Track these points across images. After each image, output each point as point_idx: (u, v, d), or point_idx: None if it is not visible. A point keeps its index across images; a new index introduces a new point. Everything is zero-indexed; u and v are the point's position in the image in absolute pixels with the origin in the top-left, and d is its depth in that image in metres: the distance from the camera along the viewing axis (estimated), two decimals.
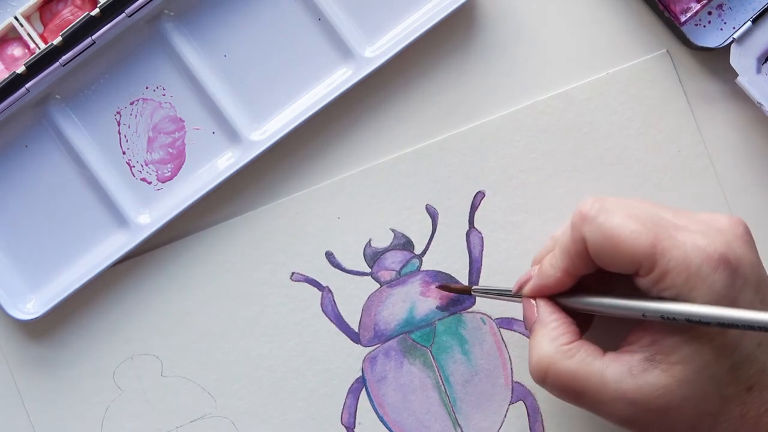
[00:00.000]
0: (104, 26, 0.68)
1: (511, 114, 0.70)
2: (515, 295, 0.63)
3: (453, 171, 0.70)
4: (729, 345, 0.55)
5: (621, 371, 0.56)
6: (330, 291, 0.70)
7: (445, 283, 0.69)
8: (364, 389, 0.69)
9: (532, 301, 0.61)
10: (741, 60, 0.68)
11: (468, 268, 0.69)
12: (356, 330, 0.69)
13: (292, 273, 0.70)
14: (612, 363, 0.57)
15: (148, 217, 0.70)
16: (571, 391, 0.58)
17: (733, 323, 0.53)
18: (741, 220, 0.58)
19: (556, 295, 0.61)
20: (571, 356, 0.58)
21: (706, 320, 0.54)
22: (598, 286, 0.61)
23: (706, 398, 0.55)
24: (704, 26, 0.69)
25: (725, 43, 0.68)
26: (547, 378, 0.58)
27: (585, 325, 0.63)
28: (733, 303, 0.55)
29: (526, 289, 0.62)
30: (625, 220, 0.57)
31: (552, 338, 0.59)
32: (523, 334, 0.69)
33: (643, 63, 0.70)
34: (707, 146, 0.69)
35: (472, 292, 0.67)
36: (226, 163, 0.70)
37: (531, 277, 0.62)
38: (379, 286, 0.70)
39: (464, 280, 0.69)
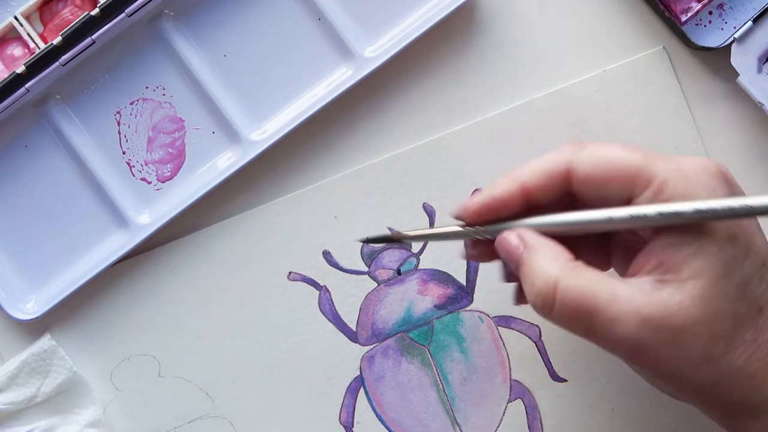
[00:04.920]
0: (104, 26, 0.68)
1: (508, 111, 0.70)
2: (469, 228, 0.58)
3: (450, 169, 0.70)
4: (738, 256, 0.53)
5: (632, 290, 0.53)
6: (327, 290, 0.69)
7: (441, 279, 0.69)
8: (362, 388, 0.69)
9: (513, 235, 0.56)
10: (742, 60, 0.68)
11: (465, 267, 0.69)
12: (354, 329, 0.69)
13: (290, 272, 0.70)
14: (622, 283, 0.53)
15: (148, 217, 0.70)
16: (583, 309, 0.53)
17: (743, 211, 0.51)
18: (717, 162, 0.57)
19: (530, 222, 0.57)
20: (579, 273, 0.53)
21: (714, 213, 0.51)
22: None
23: (720, 317, 0.52)
24: (705, 26, 0.68)
25: (726, 43, 0.68)
26: (555, 300, 0.54)
27: None
28: None
29: (472, 203, 0.57)
30: (615, 145, 0.55)
31: (553, 257, 0.54)
32: (521, 332, 0.69)
33: (640, 60, 0.69)
34: (708, 146, 0.69)
35: (404, 240, 0.62)
36: (226, 162, 0.70)
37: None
38: (376, 284, 0.69)
39: (462, 279, 0.69)
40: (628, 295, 0.52)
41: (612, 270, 0.60)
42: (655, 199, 0.53)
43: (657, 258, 0.53)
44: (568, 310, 0.53)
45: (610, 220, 0.54)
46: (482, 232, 0.57)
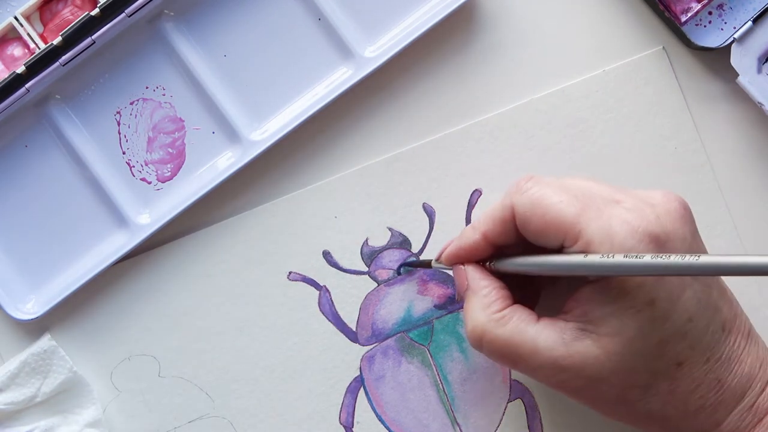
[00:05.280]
0: (104, 26, 0.68)
1: (508, 112, 0.70)
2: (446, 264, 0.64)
3: (449, 169, 0.69)
4: (657, 318, 0.55)
5: (554, 339, 0.56)
6: (327, 290, 0.69)
7: (441, 279, 0.69)
8: (362, 388, 0.69)
9: (462, 268, 0.62)
10: (742, 60, 0.68)
11: None
12: (354, 329, 0.69)
13: (290, 272, 0.70)
14: (545, 330, 0.57)
15: (148, 217, 0.70)
16: (506, 357, 0.58)
17: (641, 269, 0.53)
18: (677, 196, 0.59)
19: (485, 261, 0.62)
20: (503, 324, 0.58)
21: (614, 270, 0.54)
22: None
23: (634, 371, 0.55)
24: (705, 26, 0.68)
25: (726, 43, 0.68)
26: (482, 345, 0.59)
27: (533, 297, 0.64)
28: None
29: (445, 254, 0.63)
30: (555, 191, 0.57)
31: (484, 306, 0.59)
32: None
33: (639, 60, 0.69)
34: (707, 146, 0.69)
35: (433, 266, 0.67)
36: (226, 163, 0.70)
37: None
38: (376, 285, 0.69)
39: None
40: (548, 345, 0.56)
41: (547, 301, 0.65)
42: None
43: (583, 308, 0.56)
44: (495, 356, 0.59)
45: (525, 265, 0.59)
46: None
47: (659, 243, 0.55)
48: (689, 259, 0.51)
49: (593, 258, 0.54)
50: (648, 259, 0.52)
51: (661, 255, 0.52)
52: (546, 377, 0.57)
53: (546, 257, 0.57)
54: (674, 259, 0.51)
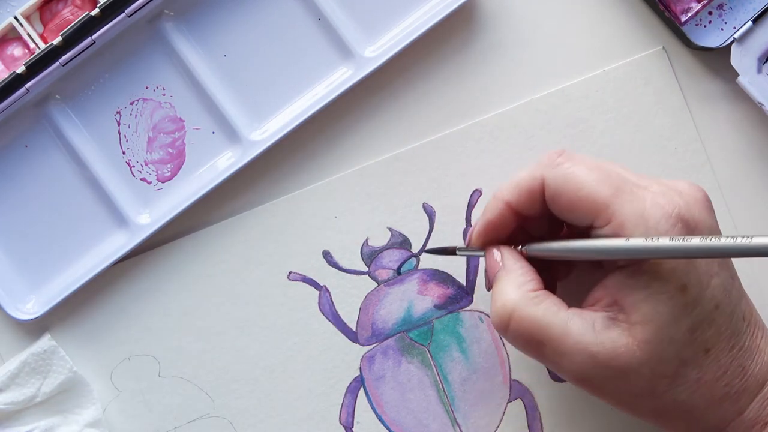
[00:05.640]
0: (104, 26, 0.68)
1: (508, 112, 0.69)
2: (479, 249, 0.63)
3: (449, 169, 0.69)
4: (688, 304, 0.55)
5: (584, 325, 0.56)
6: (327, 290, 0.69)
7: (441, 279, 0.69)
8: (362, 388, 0.69)
9: (496, 251, 0.61)
10: (742, 60, 0.68)
11: (465, 267, 0.69)
12: (354, 329, 0.69)
13: (290, 272, 0.70)
14: (576, 317, 0.56)
15: (148, 217, 0.70)
16: (534, 338, 0.57)
17: (689, 252, 0.53)
18: (700, 187, 0.58)
19: (517, 245, 0.61)
20: (537, 303, 0.57)
21: (659, 253, 0.54)
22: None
23: (664, 361, 0.55)
24: (705, 26, 0.68)
25: (726, 43, 0.68)
26: (510, 324, 0.57)
27: (551, 289, 0.63)
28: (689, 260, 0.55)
29: (474, 233, 0.62)
30: (589, 168, 0.57)
31: (518, 284, 0.58)
32: None
33: (640, 60, 0.69)
34: (707, 146, 0.69)
35: (457, 253, 0.65)
36: (226, 163, 0.70)
37: None
38: (376, 285, 0.69)
39: (462, 279, 0.69)
40: (579, 331, 0.56)
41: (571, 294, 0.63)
42: (612, 236, 0.56)
43: (611, 296, 0.56)
44: (521, 336, 0.57)
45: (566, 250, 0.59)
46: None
47: (689, 228, 0.55)
48: (741, 240, 0.51)
49: (637, 242, 0.54)
50: (697, 241, 0.52)
51: (709, 237, 0.52)
52: (572, 365, 0.56)
53: (583, 242, 0.57)
54: (724, 241, 0.51)
